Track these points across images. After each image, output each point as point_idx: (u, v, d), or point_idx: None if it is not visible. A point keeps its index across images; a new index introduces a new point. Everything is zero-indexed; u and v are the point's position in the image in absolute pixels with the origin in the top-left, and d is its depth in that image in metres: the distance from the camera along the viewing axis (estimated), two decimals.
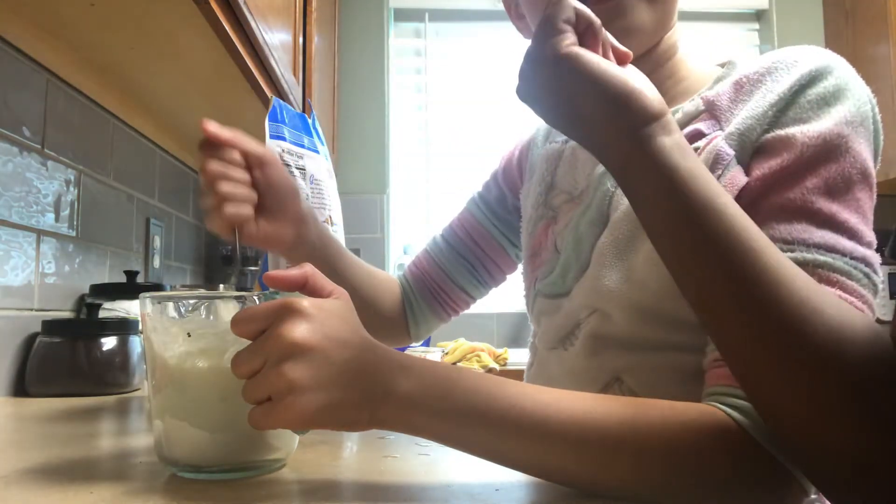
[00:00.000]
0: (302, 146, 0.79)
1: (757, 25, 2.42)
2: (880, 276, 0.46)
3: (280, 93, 1.15)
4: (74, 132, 1.08)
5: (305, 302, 0.40)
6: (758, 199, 0.49)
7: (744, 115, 0.52)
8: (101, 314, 1.01)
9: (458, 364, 1.75)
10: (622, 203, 0.58)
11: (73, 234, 1.08)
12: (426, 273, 0.83)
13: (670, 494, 0.40)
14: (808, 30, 2.33)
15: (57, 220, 1.02)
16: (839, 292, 0.43)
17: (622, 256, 0.57)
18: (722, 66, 0.61)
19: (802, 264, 0.44)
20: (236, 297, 0.45)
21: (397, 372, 0.41)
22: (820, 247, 0.45)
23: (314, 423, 0.39)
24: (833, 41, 2.26)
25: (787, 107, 0.50)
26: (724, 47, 2.38)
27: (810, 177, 0.47)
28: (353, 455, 0.53)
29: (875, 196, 0.49)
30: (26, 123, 0.94)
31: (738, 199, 0.49)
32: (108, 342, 0.95)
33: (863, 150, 0.48)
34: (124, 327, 0.98)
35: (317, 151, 0.83)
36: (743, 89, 0.54)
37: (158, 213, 1.46)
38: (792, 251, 0.45)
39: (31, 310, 0.96)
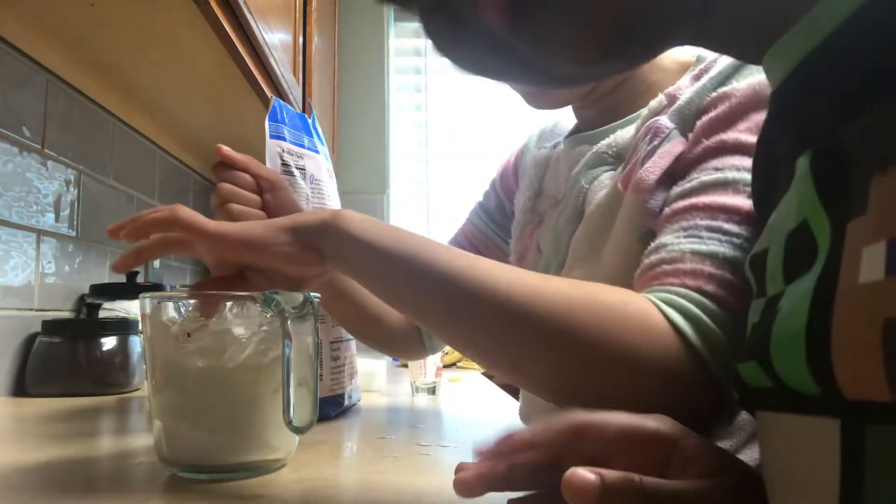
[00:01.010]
0: (302, 146, 0.79)
1: None
2: None
3: (280, 93, 1.15)
4: (74, 132, 1.08)
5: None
6: (693, 145, 0.50)
7: (688, 97, 0.53)
8: (101, 314, 1.01)
9: (457, 364, 1.75)
10: (595, 197, 0.59)
11: (73, 234, 1.08)
12: None
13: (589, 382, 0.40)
14: None
15: (57, 220, 1.02)
16: None
17: (595, 248, 0.57)
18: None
19: (731, 183, 0.45)
20: (235, 297, 0.45)
21: (332, 214, 0.47)
22: (748, 169, 0.45)
23: (246, 242, 0.46)
24: None
25: (727, 77, 0.51)
26: None
27: (741, 122, 0.48)
28: (353, 455, 0.53)
29: None
30: (26, 123, 0.94)
31: (676, 160, 0.50)
32: (108, 342, 0.95)
33: None
34: (124, 327, 0.98)
35: (317, 151, 0.83)
36: (699, 78, 0.55)
37: None
38: (722, 172, 0.46)
39: (31, 310, 0.96)
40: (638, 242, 0.52)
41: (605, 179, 0.59)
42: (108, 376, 0.93)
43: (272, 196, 0.63)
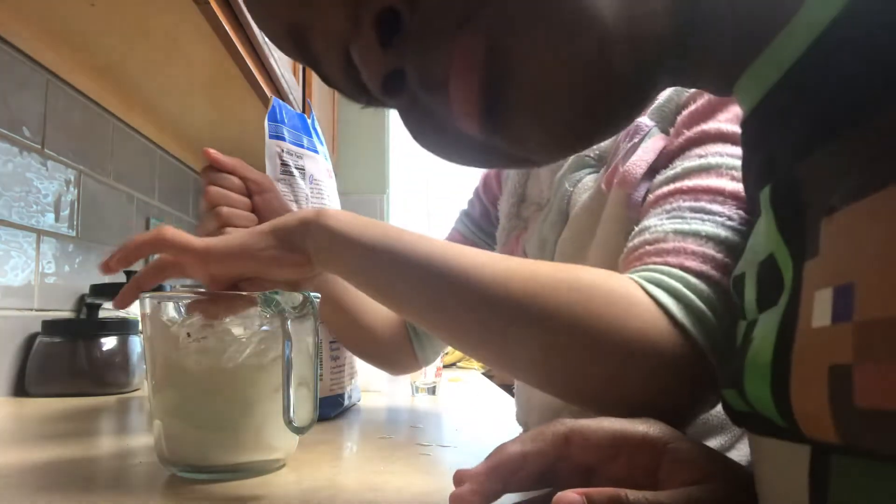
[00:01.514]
0: (301, 146, 0.79)
1: None
2: None
3: (280, 93, 1.15)
4: (74, 132, 1.08)
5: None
6: (676, 137, 0.50)
7: (665, 97, 0.53)
8: (101, 314, 1.01)
9: (457, 364, 1.75)
10: (580, 199, 0.59)
11: (73, 234, 1.08)
12: None
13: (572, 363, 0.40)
14: None
15: (57, 220, 1.02)
16: None
17: (581, 249, 0.57)
18: None
19: (714, 167, 0.45)
20: (236, 298, 0.45)
21: (314, 213, 0.47)
22: (732, 156, 0.46)
23: (230, 253, 0.47)
24: None
25: None
26: None
27: (721, 113, 0.48)
28: (353, 455, 0.53)
29: None
30: (26, 123, 0.94)
31: (659, 153, 0.50)
32: (108, 342, 0.95)
33: None
34: (124, 327, 0.98)
35: (316, 151, 0.83)
36: None
37: (158, 213, 1.46)
38: (705, 158, 0.46)
39: (31, 310, 0.96)
40: (624, 240, 0.52)
41: (589, 182, 0.59)
42: (108, 376, 0.93)
43: (261, 198, 0.64)
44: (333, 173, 0.91)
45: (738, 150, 0.46)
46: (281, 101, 0.77)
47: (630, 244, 0.47)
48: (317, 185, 0.82)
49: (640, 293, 0.40)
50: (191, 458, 0.44)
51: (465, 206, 0.85)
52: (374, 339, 0.74)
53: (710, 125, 0.48)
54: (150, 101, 1.20)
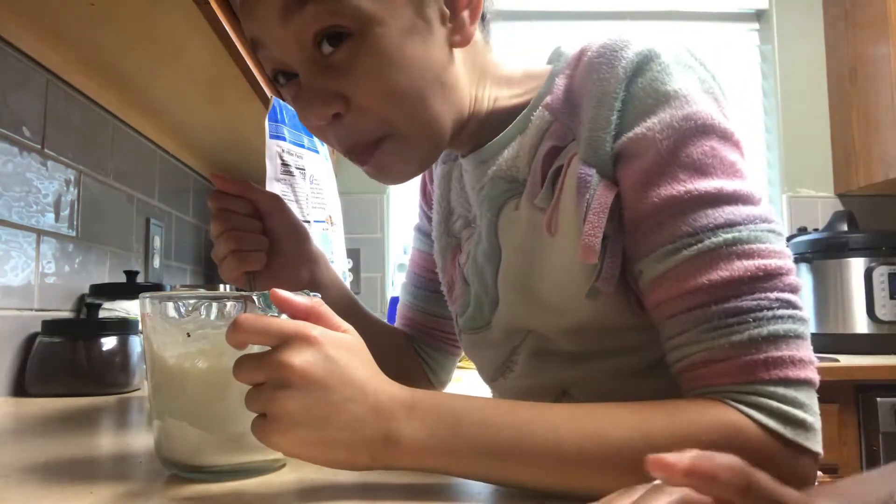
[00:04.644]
0: (302, 146, 0.79)
1: (757, 25, 2.41)
2: (780, 222, 0.47)
3: (280, 93, 1.15)
4: (74, 132, 1.08)
5: (316, 331, 0.40)
6: (639, 203, 0.48)
7: (588, 126, 0.50)
8: (101, 314, 1.01)
9: (457, 365, 1.75)
10: (507, 233, 0.57)
11: (73, 234, 1.08)
12: (413, 321, 0.81)
13: None
14: (808, 30, 2.32)
15: (57, 220, 1.02)
16: (758, 261, 0.44)
17: (527, 286, 0.56)
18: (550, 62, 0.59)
19: (715, 249, 0.44)
20: (236, 298, 0.45)
21: (401, 415, 0.41)
22: (722, 226, 0.45)
23: (302, 456, 0.40)
24: (833, 41, 2.25)
25: (625, 104, 0.49)
26: (724, 47, 2.37)
27: (678, 167, 0.47)
28: None
29: (742, 145, 0.48)
30: (26, 123, 0.94)
31: (612, 212, 0.49)
32: (108, 342, 0.95)
33: (711, 114, 0.47)
34: (124, 327, 0.98)
35: (317, 151, 0.83)
36: (574, 91, 0.53)
37: (158, 213, 1.46)
38: (700, 241, 0.45)
39: (31, 310, 0.96)
40: (587, 299, 0.51)
41: (510, 210, 0.57)
42: (108, 376, 0.93)
43: (271, 219, 0.63)
44: (334, 173, 0.92)
45: (719, 213, 0.45)
46: (281, 101, 0.77)
47: (678, 358, 0.46)
48: (317, 185, 0.82)
49: (747, 423, 0.42)
50: (191, 458, 0.44)
51: (417, 222, 0.82)
52: (388, 368, 0.73)
53: (677, 188, 0.46)
54: (150, 101, 1.20)
